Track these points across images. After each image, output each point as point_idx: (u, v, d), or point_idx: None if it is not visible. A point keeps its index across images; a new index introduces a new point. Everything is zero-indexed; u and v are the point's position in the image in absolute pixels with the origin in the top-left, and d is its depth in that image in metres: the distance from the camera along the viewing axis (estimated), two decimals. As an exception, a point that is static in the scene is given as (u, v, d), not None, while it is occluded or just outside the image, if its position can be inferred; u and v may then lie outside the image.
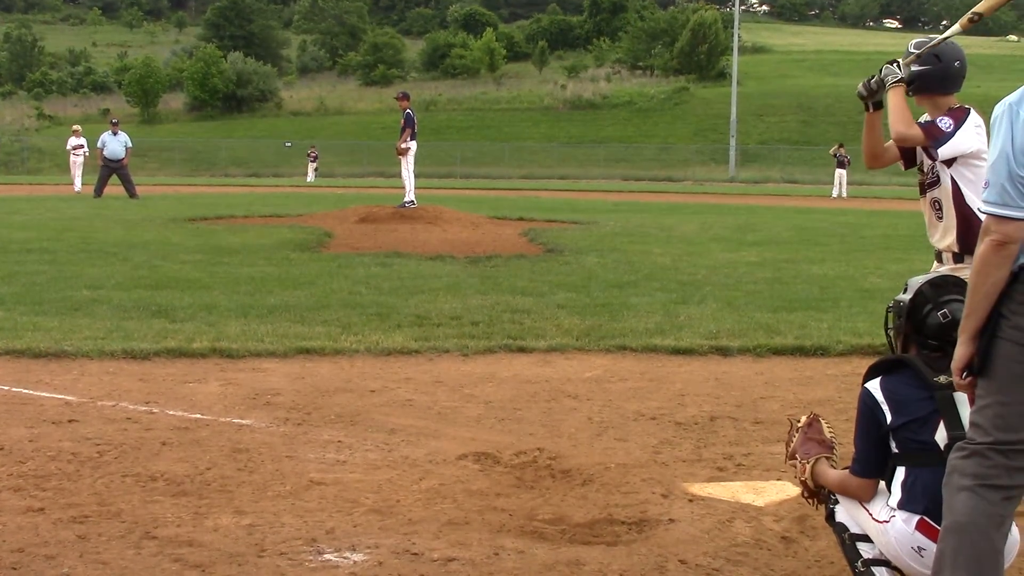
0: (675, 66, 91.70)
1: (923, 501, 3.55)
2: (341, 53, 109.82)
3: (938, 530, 3.39)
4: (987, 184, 3.14)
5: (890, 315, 3.94)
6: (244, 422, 6.28)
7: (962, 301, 3.41)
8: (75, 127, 38.49)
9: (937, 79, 4.90)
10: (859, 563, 3.75)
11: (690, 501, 4.97)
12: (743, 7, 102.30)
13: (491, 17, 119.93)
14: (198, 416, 6.39)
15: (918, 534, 3.55)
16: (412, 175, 21.91)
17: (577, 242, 17.27)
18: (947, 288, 3.80)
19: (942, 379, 3.60)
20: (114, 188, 30.63)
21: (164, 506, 4.76)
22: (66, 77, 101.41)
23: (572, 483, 5.22)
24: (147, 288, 11.26)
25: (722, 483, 5.26)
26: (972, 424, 3.22)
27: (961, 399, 3.59)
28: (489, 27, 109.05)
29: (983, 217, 3.16)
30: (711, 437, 6.16)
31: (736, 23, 71.30)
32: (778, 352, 8.56)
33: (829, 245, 17.85)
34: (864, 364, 8.31)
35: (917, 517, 3.56)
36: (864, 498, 3.74)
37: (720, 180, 60.89)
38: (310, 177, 56.19)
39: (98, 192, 30.31)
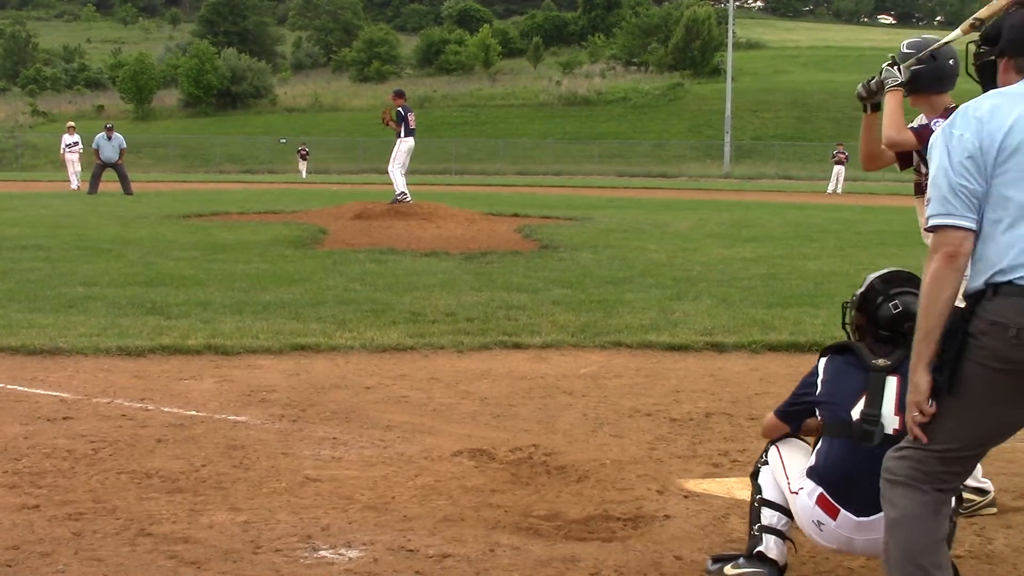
0: (670, 62, 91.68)
1: (827, 473, 3.70)
2: (335, 49, 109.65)
3: (836, 507, 3.63)
4: (929, 200, 3.16)
5: (846, 310, 4.11)
6: (239, 419, 6.28)
7: (914, 294, 3.52)
8: (69, 124, 38.43)
9: (932, 78, 4.93)
10: (755, 527, 3.95)
11: (685, 497, 4.97)
12: (737, 3, 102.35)
13: (486, 13, 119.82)
14: (193, 413, 6.39)
15: (818, 508, 3.70)
16: (399, 170, 21.57)
17: (572, 238, 17.27)
18: (898, 282, 3.93)
19: (880, 362, 3.79)
20: (109, 185, 30.59)
21: (159, 503, 4.76)
22: (60, 73, 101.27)
23: (567, 479, 5.22)
24: (142, 285, 11.25)
25: (717, 479, 5.27)
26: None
27: (890, 384, 3.74)
28: (484, 23, 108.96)
29: (928, 239, 3.19)
30: (706, 433, 6.16)
31: (731, 19, 71.26)
32: (773, 348, 8.57)
33: (824, 241, 17.86)
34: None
35: (819, 491, 3.70)
36: (770, 435, 4.07)
37: (715, 176, 60.88)
38: (303, 174, 56.17)
39: (92, 189, 30.27)
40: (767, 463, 4.02)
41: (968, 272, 3.14)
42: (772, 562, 3.88)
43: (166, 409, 6.47)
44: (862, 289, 4.01)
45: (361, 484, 5.10)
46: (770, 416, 4.12)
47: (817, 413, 3.90)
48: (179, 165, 68.03)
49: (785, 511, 3.90)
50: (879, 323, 3.91)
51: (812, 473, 3.76)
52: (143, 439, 5.79)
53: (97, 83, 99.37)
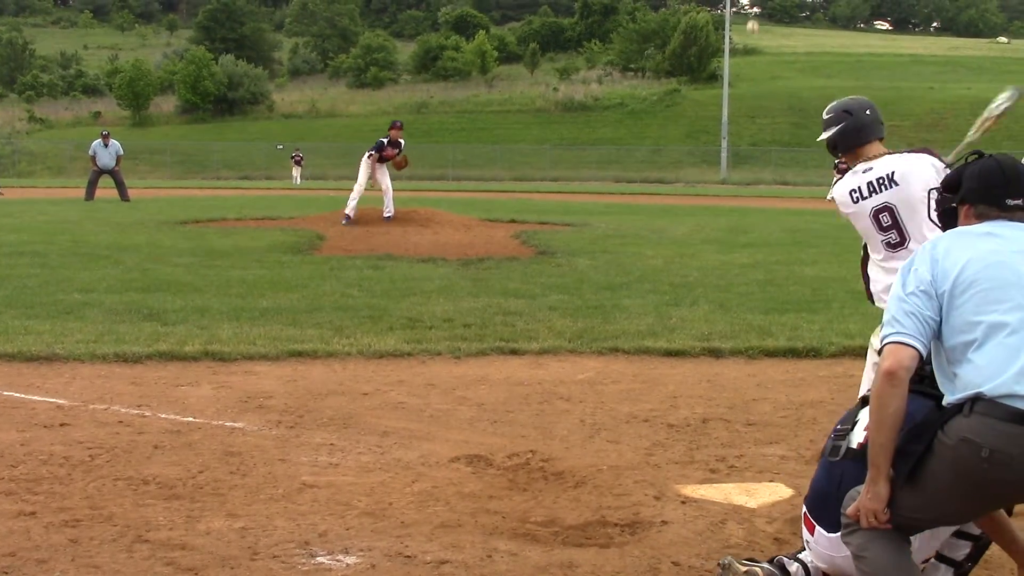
0: (666, 68, 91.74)
1: (809, 491, 3.79)
2: (332, 56, 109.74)
3: (812, 523, 3.69)
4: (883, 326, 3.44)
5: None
6: (236, 425, 6.28)
7: None
8: None
9: (853, 132, 5.06)
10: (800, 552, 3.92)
11: (683, 503, 4.97)
12: (734, 9, 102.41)
13: (482, 19, 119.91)
14: (190, 419, 6.38)
15: (804, 527, 3.80)
16: (361, 187, 20.38)
17: (569, 244, 17.28)
18: None
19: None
20: (105, 191, 30.56)
21: (156, 509, 4.75)
22: (57, 80, 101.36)
23: (565, 485, 5.22)
24: (139, 291, 11.25)
25: (715, 485, 5.26)
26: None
27: None
28: (481, 29, 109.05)
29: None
30: (703, 439, 6.16)
31: (727, 25, 71.40)
32: (770, 354, 8.57)
33: (821, 247, 17.88)
34: (856, 366, 8.30)
35: (803, 509, 3.81)
36: None
37: (712, 182, 60.91)
38: (296, 180, 56.14)
39: (89, 196, 30.23)
40: None
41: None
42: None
43: (163, 415, 6.46)
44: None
45: (358, 490, 5.09)
46: None
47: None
48: (176, 171, 67.96)
49: None
50: None
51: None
52: (140, 445, 5.78)
53: (94, 89, 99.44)
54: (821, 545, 3.70)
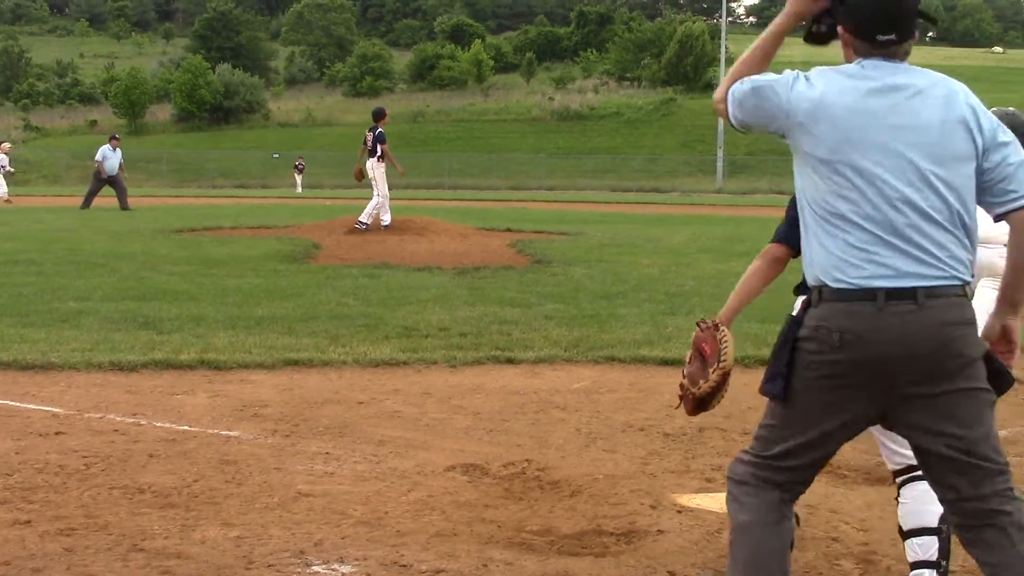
0: (662, 77, 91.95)
1: None
2: (329, 65, 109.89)
3: None
4: None
5: None
6: (232, 434, 6.27)
7: None
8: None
9: None
10: None
11: (679, 512, 4.97)
12: (730, 19, 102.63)
13: (479, 28, 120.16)
14: (186, 428, 6.38)
15: None
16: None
17: (565, 253, 17.28)
18: None
19: None
20: (103, 200, 30.52)
21: (151, 518, 4.75)
22: (53, 88, 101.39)
23: (560, 494, 5.21)
24: (134, 300, 11.23)
25: (711, 494, 5.26)
26: (756, 436, 3.38)
27: None
28: (477, 38, 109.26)
29: None
30: (699, 448, 6.17)
31: (723, 34, 71.52)
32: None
33: (816, 256, 17.85)
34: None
35: None
36: None
37: (707, 191, 60.95)
38: (299, 188, 56.19)
39: (86, 204, 30.19)
40: None
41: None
42: None
43: (158, 424, 6.45)
44: None
45: (354, 499, 5.09)
46: None
47: None
48: (172, 180, 67.93)
49: None
50: None
51: None
52: (135, 454, 5.77)
53: (90, 98, 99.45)
54: None
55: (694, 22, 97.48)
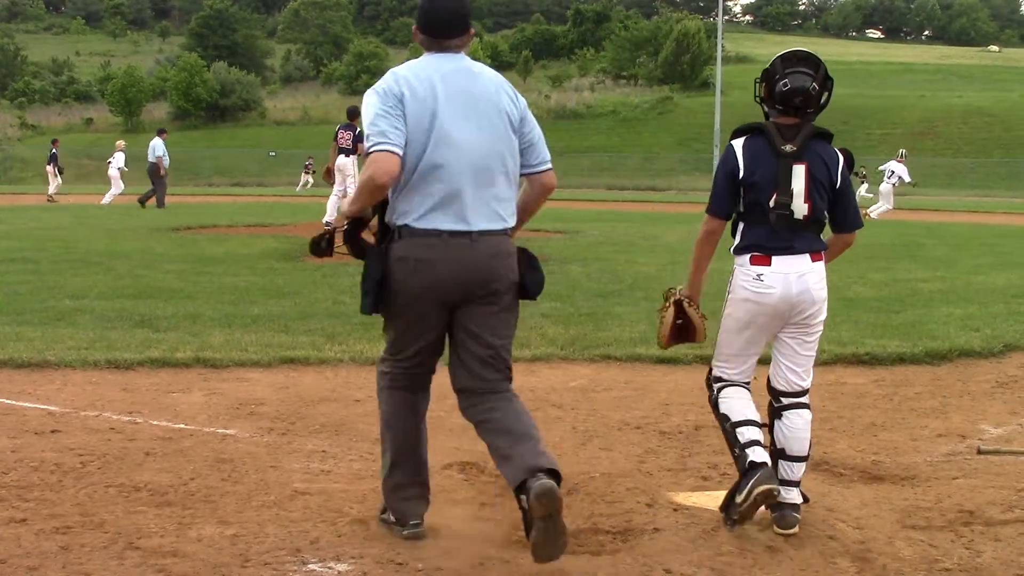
0: (659, 76, 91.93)
1: (752, 241, 4.70)
2: (325, 63, 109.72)
3: (767, 258, 4.65)
4: None
5: (757, 84, 4.75)
6: (228, 432, 6.27)
7: (805, 73, 4.57)
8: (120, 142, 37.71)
9: None
10: (736, 448, 4.69)
11: (675, 510, 4.97)
12: (726, 17, 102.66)
13: (475, 26, 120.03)
14: (182, 426, 6.37)
15: (753, 266, 4.71)
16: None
17: (561, 251, 17.28)
18: (792, 62, 4.65)
19: (787, 148, 4.57)
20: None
21: (147, 516, 4.74)
22: (49, 86, 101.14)
23: (557, 492, 5.20)
24: (130, 298, 11.22)
25: (707, 492, 5.26)
26: (387, 345, 4.55)
27: (797, 171, 4.57)
28: (473, 36, 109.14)
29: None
30: (696, 446, 6.17)
31: (719, 33, 71.43)
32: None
33: (812, 254, 17.84)
34: (848, 373, 8.35)
35: (748, 255, 4.70)
36: (714, 234, 4.91)
37: (704, 189, 60.18)
38: (300, 187, 56.19)
39: (160, 203, 30.54)
40: (720, 395, 4.89)
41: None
42: (763, 463, 4.56)
43: (154, 422, 6.45)
44: (768, 66, 4.68)
45: (350, 497, 5.09)
46: (704, 221, 4.85)
47: (742, 194, 4.64)
48: (168, 178, 67.78)
49: (755, 423, 4.71)
50: (776, 98, 4.63)
51: (738, 252, 4.77)
52: (131, 452, 5.77)
53: (86, 96, 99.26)
54: (779, 269, 4.78)
55: (690, 20, 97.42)
